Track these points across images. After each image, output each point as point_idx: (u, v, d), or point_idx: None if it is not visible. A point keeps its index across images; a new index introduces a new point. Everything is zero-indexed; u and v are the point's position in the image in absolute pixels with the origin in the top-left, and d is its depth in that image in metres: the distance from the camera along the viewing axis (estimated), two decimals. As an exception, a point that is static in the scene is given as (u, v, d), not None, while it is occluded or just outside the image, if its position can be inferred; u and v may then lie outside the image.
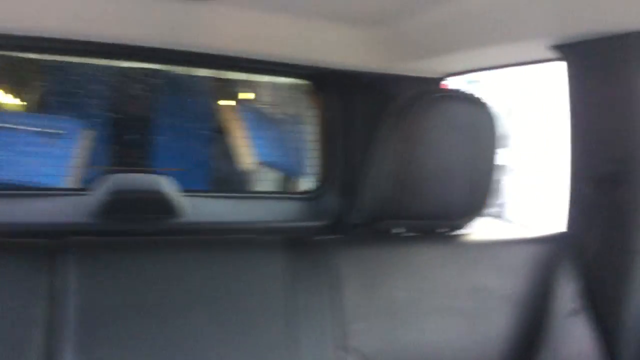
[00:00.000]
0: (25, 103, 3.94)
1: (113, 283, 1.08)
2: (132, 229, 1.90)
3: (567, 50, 1.44)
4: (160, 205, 1.96)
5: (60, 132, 3.66)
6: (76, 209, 1.91)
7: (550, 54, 1.50)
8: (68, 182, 3.50)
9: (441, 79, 2.02)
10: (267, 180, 4.36)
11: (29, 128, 3.56)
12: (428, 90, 1.30)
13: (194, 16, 1.58)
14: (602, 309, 1.38)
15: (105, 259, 1.11)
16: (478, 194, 1.34)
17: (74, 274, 1.06)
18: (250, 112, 4.28)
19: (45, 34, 1.52)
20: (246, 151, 4.14)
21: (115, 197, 1.91)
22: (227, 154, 4.20)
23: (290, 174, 4.23)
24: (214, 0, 1.49)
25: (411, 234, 1.37)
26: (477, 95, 1.33)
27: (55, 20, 1.47)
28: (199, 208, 2.08)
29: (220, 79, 3.98)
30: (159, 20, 1.56)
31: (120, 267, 1.10)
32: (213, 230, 2.03)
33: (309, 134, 3.44)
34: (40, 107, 3.98)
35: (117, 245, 1.15)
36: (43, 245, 1.10)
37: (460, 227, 1.40)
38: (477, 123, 1.30)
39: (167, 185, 2.00)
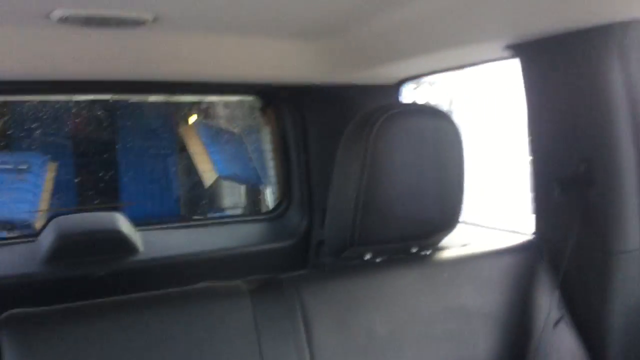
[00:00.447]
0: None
1: (61, 358, 0.97)
2: (85, 273, 1.77)
3: (521, 50, 1.41)
4: (114, 243, 1.85)
5: (25, 166, 3.82)
6: (24, 258, 1.77)
7: (505, 53, 1.47)
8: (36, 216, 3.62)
9: (398, 85, 1.96)
10: (231, 194, 4.50)
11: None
12: (386, 105, 1.23)
13: (132, 44, 1.49)
14: (583, 314, 1.35)
15: (50, 331, 0.99)
16: (449, 209, 1.28)
17: (16, 353, 0.95)
18: (208, 130, 4.39)
19: None
20: (207, 167, 4.27)
21: (64, 241, 1.79)
22: (190, 172, 4.36)
23: (249, 184, 4.40)
24: (151, 25, 1.39)
25: (382, 259, 1.29)
26: (438, 107, 1.27)
27: None
28: (157, 242, 1.97)
29: (178, 102, 4.14)
30: (100, 51, 1.46)
31: (68, 339, 0.99)
32: (173, 264, 1.93)
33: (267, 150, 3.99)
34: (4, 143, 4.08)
35: (63, 313, 1.03)
36: None
37: (433, 244, 1.34)
38: (440, 136, 1.23)
39: (120, 222, 1.88)
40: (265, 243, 2.14)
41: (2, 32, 1.36)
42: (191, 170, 4.39)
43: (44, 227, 1.88)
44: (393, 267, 1.27)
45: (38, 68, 1.45)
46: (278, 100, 2.10)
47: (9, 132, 4.01)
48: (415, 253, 1.32)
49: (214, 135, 4.42)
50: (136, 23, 1.37)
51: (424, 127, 1.22)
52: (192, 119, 4.43)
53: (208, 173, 4.32)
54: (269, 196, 4.12)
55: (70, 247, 1.79)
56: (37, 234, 1.89)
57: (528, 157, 1.50)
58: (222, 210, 4.53)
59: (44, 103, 3.86)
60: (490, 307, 1.29)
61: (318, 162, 2.10)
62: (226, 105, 4.43)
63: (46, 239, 1.81)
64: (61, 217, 1.90)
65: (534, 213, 1.47)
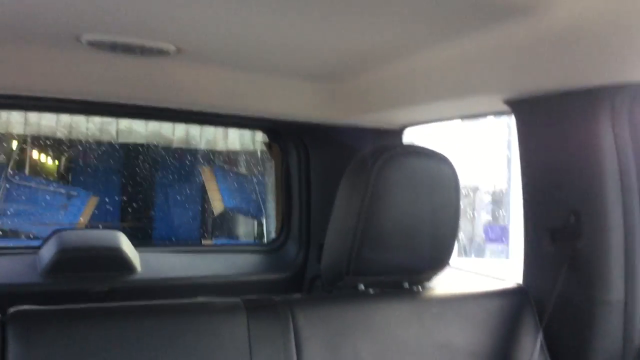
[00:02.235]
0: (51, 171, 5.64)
1: (62, 356, 1.01)
2: (83, 287, 1.81)
3: (516, 105, 1.49)
4: (113, 261, 1.89)
5: (75, 194, 5.36)
6: (25, 268, 1.81)
7: (502, 107, 1.54)
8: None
9: (401, 130, 2.04)
10: (237, 223, 5.84)
11: (51, 189, 5.21)
12: (387, 146, 1.30)
13: (155, 72, 1.58)
14: None
15: (53, 329, 1.03)
16: (442, 248, 1.34)
17: (21, 348, 0.99)
18: (221, 172, 5.75)
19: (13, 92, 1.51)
20: (217, 199, 5.63)
21: (65, 255, 1.83)
22: (207, 204, 5.75)
23: (250, 216, 5.73)
24: (173, 56, 1.48)
25: (374, 291, 1.35)
26: (437, 150, 1.34)
27: (20, 79, 1.49)
28: (155, 264, 2.01)
29: (202, 150, 5.50)
30: (119, 75, 1.55)
31: (70, 338, 1.03)
32: (169, 286, 1.96)
33: (270, 187, 5.23)
34: (61, 176, 5.64)
35: (66, 314, 1.08)
36: None
37: (424, 281, 1.39)
38: (438, 177, 1.31)
39: (121, 241, 1.93)
40: (260, 273, 2.18)
41: (35, 52, 1.45)
42: (207, 202, 5.70)
43: (46, 239, 1.93)
44: (384, 299, 1.32)
45: (65, 87, 1.53)
46: (284, 136, 2.18)
47: (69, 167, 5.65)
48: (407, 288, 1.37)
49: (225, 176, 5.75)
50: (159, 53, 1.46)
51: (423, 169, 1.29)
52: (212, 165, 5.76)
53: (217, 204, 5.63)
54: (265, 227, 5.49)
55: (70, 261, 1.83)
56: (39, 246, 1.93)
57: (520, 207, 1.56)
58: (235, 236, 5.80)
59: (98, 145, 5.24)
60: (476, 346, 1.33)
61: (318, 199, 2.16)
62: (242, 153, 5.67)
63: (47, 251, 1.85)
64: (64, 232, 1.95)
65: (523, 260, 1.52)
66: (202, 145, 5.41)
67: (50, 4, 1.18)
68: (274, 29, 1.34)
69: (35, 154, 5.55)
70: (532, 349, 1.35)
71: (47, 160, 5.69)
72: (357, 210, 1.24)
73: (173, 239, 5.60)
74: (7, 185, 5.10)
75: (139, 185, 5.59)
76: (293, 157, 2.18)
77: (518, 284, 1.49)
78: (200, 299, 1.19)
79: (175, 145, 5.28)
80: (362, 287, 1.32)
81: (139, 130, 5.17)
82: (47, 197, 5.28)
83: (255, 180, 5.71)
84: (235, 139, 5.43)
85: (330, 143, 2.10)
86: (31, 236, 4.83)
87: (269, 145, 2.25)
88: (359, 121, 2.00)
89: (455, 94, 1.57)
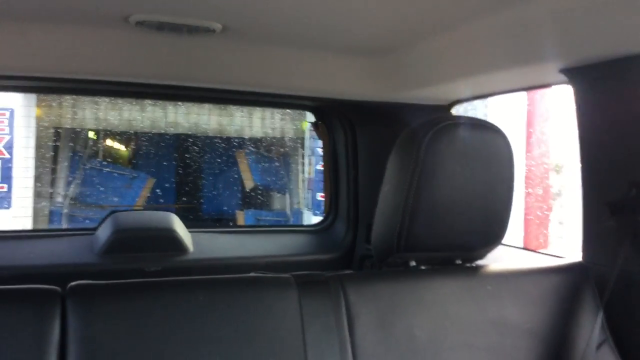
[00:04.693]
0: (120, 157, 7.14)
1: (120, 328, 1.04)
2: (137, 267, 1.86)
3: (574, 74, 1.42)
4: (166, 242, 1.93)
5: (136, 175, 6.85)
6: (82, 249, 1.87)
7: (558, 77, 1.48)
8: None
9: (450, 105, 1.99)
10: (264, 197, 7.23)
11: (118, 172, 6.66)
12: (438, 118, 1.27)
13: (201, 51, 1.59)
14: (627, 339, 1.33)
15: (111, 303, 1.07)
16: (495, 224, 1.30)
17: (77, 322, 1.02)
18: (252, 154, 7.12)
19: (63, 75, 1.55)
20: (249, 178, 7.11)
21: (121, 235, 1.88)
22: (241, 181, 7.17)
23: (275, 191, 7.21)
24: (219, 34, 1.48)
25: (426, 267, 1.32)
26: (490, 121, 1.30)
27: (69, 61, 1.51)
28: (207, 244, 2.04)
29: (238, 137, 6.88)
30: (165, 56, 1.56)
31: (128, 311, 1.06)
32: (221, 265, 1.99)
33: (293, 166, 6.94)
34: (128, 160, 7.10)
35: (123, 288, 1.11)
36: (47, 292, 1.06)
37: (477, 258, 1.36)
38: (491, 150, 1.26)
39: (174, 222, 1.97)
40: (309, 254, 2.18)
41: (83, 33, 1.47)
42: (241, 180, 7.12)
43: (102, 221, 1.98)
44: (436, 276, 1.29)
45: (112, 69, 1.56)
46: (330, 115, 2.16)
47: (132, 155, 7.12)
48: (459, 265, 1.34)
49: (255, 157, 7.15)
50: (205, 31, 1.46)
51: (475, 141, 1.25)
52: (244, 149, 7.13)
53: (249, 181, 7.15)
54: (288, 201, 7.09)
55: (125, 241, 1.88)
56: (95, 227, 1.99)
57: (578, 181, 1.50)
58: (263, 207, 7.15)
59: (159, 136, 6.68)
60: (533, 323, 1.29)
61: (366, 178, 2.14)
62: (266, 139, 7.02)
63: (104, 233, 1.90)
64: (119, 213, 2.00)
65: (582, 236, 1.47)
66: (233, 134, 6.84)
67: None
68: (319, 4, 1.32)
69: (104, 145, 7.00)
70: (592, 328, 1.30)
71: (114, 149, 7.18)
72: (407, 184, 1.21)
73: (216, 212, 7.12)
74: (86, 169, 6.65)
75: (188, 167, 7.04)
76: (340, 136, 2.16)
77: (578, 260, 1.44)
78: (252, 274, 1.20)
79: (211, 134, 6.69)
80: (413, 263, 1.30)
81: (181, 122, 6.49)
82: (115, 178, 6.76)
83: (279, 161, 7.08)
84: (258, 127, 6.83)
85: (377, 121, 2.07)
86: (104, 207, 6.29)
87: (315, 125, 2.24)
88: (407, 97, 1.96)
89: (507, 65, 1.52)
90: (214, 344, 1.07)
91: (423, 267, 1.31)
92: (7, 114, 5.80)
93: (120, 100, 6.25)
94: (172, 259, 1.92)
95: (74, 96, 5.97)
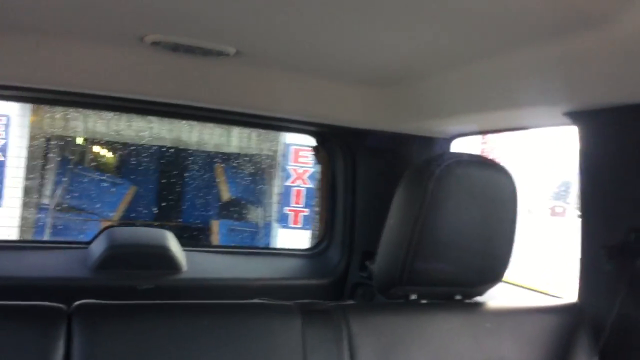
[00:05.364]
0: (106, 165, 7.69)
1: (125, 349, 1.03)
2: (130, 284, 1.84)
3: (579, 118, 1.45)
4: (161, 260, 1.91)
5: (119, 183, 7.31)
6: (75, 263, 1.85)
7: (562, 119, 1.51)
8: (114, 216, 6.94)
9: (451, 139, 2.02)
10: (239, 208, 7.78)
11: (103, 179, 7.19)
12: (447, 154, 1.29)
13: (213, 73, 1.60)
14: None
15: (117, 323, 1.06)
16: (496, 262, 1.31)
17: (82, 342, 1.01)
18: (229, 169, 7.60)
19: (77, 90, 1.57)
20: (225, 190, 7.61)
21: (114, 251, 1.87)
22: (218, 193, 7.68)
23: (249, 203, 7.71)
24: (232, 58, 1.50)
25: (427, 302, 1.33)
26: (496, 160, 1.32)
27: (83, 77, 1.53)
28: (200, 263, 2.03)
29: (216, 152, 7.41)
30: (177, 76, 1.58)
31: (133, 332, 1.05)
32: (214, 286, 1.98)
33: (267, 180, 7.57)
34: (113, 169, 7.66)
35: (129, 309, 1.10)
36: (52, 311, 1.05)
37: (477, 294, 1.37)
38: (496, 189, 1.28)
39: (169, 240, 1.95)
40: (302, 278, 2.18)
41: (99, 51, 1.48)
42: (219, 192, 7.66)
43: (96, 236, 1.97)
44: (438, 311, 1.30)
45: (126, 86, 1.57)
46: (332, 141, 2.18)
47: (119, 162, 7.62)
48: (459, 300, 1.34)
49: (232, 171, 7.55)
50: (219, 54, 1.48)
51: (482, 179, 1.27)
52: (222, 164, 7.63)
53: (225, 193, 7.61)
54: (260, 214, 7.56)
55: (119, 258, 1.86)
56: (89, 241, 1.97)
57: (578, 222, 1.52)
58: (238, 218, 7.68)
59: (145, 148, 7.14)
60: None
61: (363, 206, 2.14)
62: (244, 155, 7.56)
63: (98, 247, 1.89)
64: (114, 229, 1.99)
65: (579, 278, 1.48)
66: (211, 148, 7.25)
67: (119, 4, 1.20)
68: (331, 34, 1.34)
69: (92, 153, 7.59)
70: None
71: (100, 158, 7.68)
72: (414, 219, 1.23)
73: (194, 219, 7.66)
74: (72, 174, 7.06)
75: (169, 178, 7.53)
76: (340, 162, 2.18)
77: (574, 301, 1.45)
78: (256, 301, 1.20)
79: (191, 148, 7.16)
80: (414, 296, 1.31)
81: (164, 135, 6.97)
82: (99, 184, 7.19)
83: (253, 176, 7.58)
84: (236, 144, 7.32)
85: (378, 149, 2.08)
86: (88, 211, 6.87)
87: (316, 149, 2.25)
88: (409, 129, 1.99)
89: (512, 105, 1.54)
90: None
91: (424, 301, 1.32)
92: (5, 119, 6.22)
93: (109, 113, 6.57)
94: (165, 278, 1.90)
95: (66, 109, 6.37)
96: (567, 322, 1.38)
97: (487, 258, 1.30)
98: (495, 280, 1.35)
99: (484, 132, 1.94)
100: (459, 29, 1.26)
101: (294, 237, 6.83)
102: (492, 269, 1.33)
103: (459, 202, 1.24)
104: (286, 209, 7.02)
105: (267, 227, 7.36)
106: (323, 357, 1.13)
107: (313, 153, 2.28)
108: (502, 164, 1.31)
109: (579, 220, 1.50)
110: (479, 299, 1.38)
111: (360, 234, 2.17)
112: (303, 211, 6.99)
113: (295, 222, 7.02)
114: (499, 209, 1.28)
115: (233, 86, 1.66)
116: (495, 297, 1.40)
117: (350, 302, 1.30)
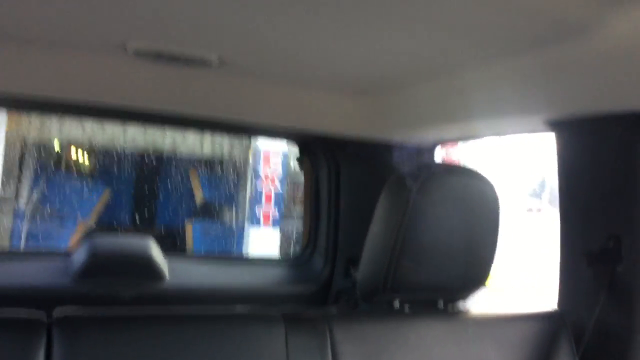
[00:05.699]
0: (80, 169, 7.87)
1: (106, 359, 1.01)
2: (113, 292, 1.82)
3: (558, 126, 1.47)
4: (143, 268, 1.90)
5: (94, 186, 7.52)
6: (57, 272, 1.83)
7: (541, 127, 1.53)
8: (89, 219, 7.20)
9: (434, 146, 2.03)
10: (212, 209, 8.05)
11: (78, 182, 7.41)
12: (428, 164, 1.30)
13: (195, 82, 1.60)
14: None
15: (98, 333, 1.04)
16: (478, 268, 1.33)
17: (67, 352, 1.00)
18: (203, 173, 7.80)
19: (63, 98, 1.56)
20: (199, 193, 7.88)
21: (96, 260, 1.85)
22: (192, 195, 7.97)
23: (219, 204, 7.98)
24: (215, 67, 1.50)
25: (410, 309, 1.33)
26: (477, 169, 1.33)
27: (65, 85, 1.52)
28: (183, 271, 2.01)
29: (190, 157, 7.73)
30: (160, 84, 1.57)
31: (114, 342, 1.04)
32: (197, 295, 1.97)
33: (239, 183, 7.82)
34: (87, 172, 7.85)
35: (110, 318, 1.09)
36: (32, 321, 1.04)
37: (459, 300, 1.38)
38: (477, 197, 1.30)
39: (150, 248, 1.94)
40: (286, 285, 2.17)
41: (81, 59, 1.47)
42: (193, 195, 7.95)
43: (78, 244, 1.94)
44: (421, 319, 1.30)
45: (108, 95, 1.56)
46: (316, 150, 2.18)
47: (96, 166, 7.74)
48: (442, 308, 1.35)
49: (206, 175, 7.83)
50: (202, 63, 1.47)
51: (463, 187, 1.28)
52: (195, 169, 7.96)
53: (199, 196, 7.91)
54: (233, 214, 7.87)
55: (101, 266, 1.84)
56: (70, 250, 1.95)
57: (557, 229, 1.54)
58: (212, 218, 8.01)
59: (119, 153, 7.29)
60: None
61: (347, 213, 2.15)
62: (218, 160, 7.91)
63: (79, 256, 1.86)
64: (96, 236, 1.96)
65: (559, 285, 1.50)
66: (185, 153, 7.63)
67: (100, 12, 1.20)
68: (314, 43, 1.35)
69: (67, 157, 7.73)
70: None
71: (75, 162, 7.86)
72: (396, 227, 1.23)
73: (168, 221, 7.85)
74: (48, 180, 7.30)
75: (144, 181, 7.76)
76: (324, 171, 2.18)
77: (554, 308, 1.47)
78: (239, 309, 1.19)
79: (166, 153, 7.51)
80: (397, 304, 1.31)
81: (139, 140, 7.26)
82: (75, 187, 7.43)
83: (226, 180, 7.91)
84: (208, 149, 7.70)
85: (362, 158, 2.09)
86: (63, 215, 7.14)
87: (300, 159, 2.25)
88: (391, 137, 2.00)
89: (494, 113, 1.56)
90: None
91: (407, 308, 1.32)
92: None
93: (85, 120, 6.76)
94: (147, 286, 1.89)
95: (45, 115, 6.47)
96: (548, 328, 1.39)
97: (470, 264, 1.31)
98: (478, 286, 1.36)
99: (466, 139, 1.96)
100: (439, 40, 1.27)
101: (265, 236, 7.41)
102: (475, 274, 1.34)
103: (441, 210, 1.25)
104: (257, 210, 7.55)
105: (240, 226, 7.82)
106: None
107: (297, 161, 2.28)
108: (481, 172, 1.33)
109: (559, 227, 1.52)
110: (462, 305, 1.39)
111: (344, 241, 2.17)
112: (273, 212, 7.57)
113: (266, 222, 7.57)
114: (481, 216, 1.30)
115: (216, 95, 1.66)
116: (478, 303, 1.41)
117: (334, 310, 1.30)
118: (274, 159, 7.44)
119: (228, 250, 7.61)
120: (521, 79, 1.38)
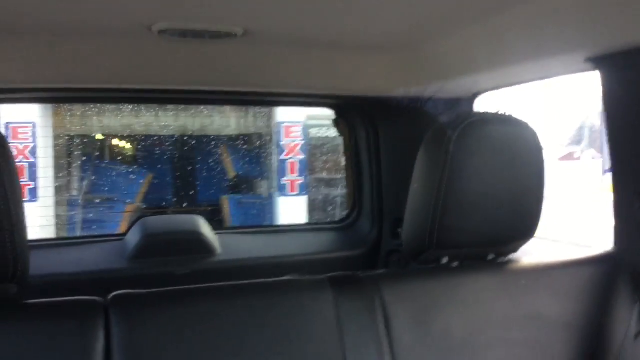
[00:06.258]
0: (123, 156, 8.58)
1: (163, 336, 1.05)
2: (167, 271, 1.88)
3: (601, 62, 1.40)
4: (195, 245, 1.95)
5: (137, 172, 8.08)
6: (112, 255, 1.90)
7: (583, 66, 1.46)
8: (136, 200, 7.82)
9: (473, 97, 1.98)
10: (244, 182, 8.57)
11: (122, 169, 8.05)
12: (465, 114, 1.26)
13: (223, 55, 1.59)
14: None
15: (153, 311, 1.08)
16: (526, 218, 1.29)
17: (121, 332, 1.04)
18: (232, 149, 8.37)
19: (83, 85, 1.58)
20: (230, 168, 8.34)
21: (150, 240, 1.90)
22: (224, 171, 8.42)
23: (249, 177, 8.51)
24: (241, 38, 1.49)
25: (458, 264, 1.32)
26: (517, 116, 1.29)
27: (95, 72, 1.54)
28: (233, 245, 2.05)
29: (218, 135, 8.29)
30: (188, 61, 1.58)
31: (169, 319, 1.08)
32: (248, 266, 2.01)
33: (266, 155, 8.34)
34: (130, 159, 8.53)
35: (164, 296, 1.13)
36: (89, 304, 1.08)
37: (509, 252, 1.35)
38: (519, 145, 1.25)
39: (201, 225, 1.98)
40: (335, 251, 2.19)
41: (107, 43, 1.49)
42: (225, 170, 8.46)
43: (131, 226, 2.01)
44: (470, 272, 1.29)
45: (136, 76, 1.58)
46: (352, 112, 2.16)
47: (137, 153, 8.47)
48: (492, 260, 1.33)
49: (235, 151, 8.35)
50: (227, 36, 1.47)
51: (504, 136, 1.25)
52: (225, 144, 8.47)
53: (230, 171, 8.36)
54: (265, 186, 8.36)
55: (154, 246, 1.90)
56: (124, 233, 2.01)
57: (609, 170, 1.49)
58: (245, 191, 8.59)
59: (154, 138, 8.05)
60: (568, 316, 1.28)
61: (389, 173, 2.13)
62: (244, 135, 8.43)
63: (133, 238, 1.93)
64: (147, 218, 2.02)
65: (614, 226, 1.45)
66: (213, 132, 8.16)
67: None
68: (339, 4, 1.32)
69: (110, 147, 8.40)
70: (629, 317, 1.29)
71: (118, 150, 8.56)
72: (437, 181, 1.21)
73: (208, 198, 8.29)
74: (95, 168, 7.86)
75: (181, 163, 8.32)
76: (361, 132, 2.16)
77: (611, 250, 1.42)
78: (287, 278, 1.21)
79: (197, 134, 8.05)
80: (445, 260, 1.30)
81: (171, 125, 7.83)
82: (119, 174, 7.98)
83: (254, 153, 8.45)
84: (234, 126, 8.23)
85: (399, 115, 2.06)
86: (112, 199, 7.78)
87: (336, 122, 2.23)
88: (428, 91, 1.95)
89: (532, 56, 1.50)
90: (254, 349, 1.08)
91: (455, 264, 1.31)
92: (31, 126, 7.01)
93: (120, 108, 7.36)
94: (200, 262, 1.94)
95: (82, 108, 7.28)
96: (605, 272, 1.36)
97: (517, 214, 1.28)
98: (528, 236, 1.33)
99: (505, 87, 1.89)
100: None
101: (293, 203, 7.86)
102: (523, 225, 1.31)
103: (482, 161, 1.22)
104: (283, 180, 7.92)
105: (270, 196, 8.29)
106: (358, 327, 1.14)
107: (334, 126, 2.26)
108: (522, 119, 1.28)
109: (610, 168, 1.46)
110: (512, 256, 1.37)
111: (389, 202, 2.16)
112: (298, 180, 7.98)
113: (292, 190, 7.97)
114: (524, 164, 1.26)
115: (244, 67, 1.65)
116: (529, 254, 1.38)
117: (381, 270, 1.29)
118: (293, 129, 7.86)
119: (261, 219, 8.07)
120: (557, 15, 1.31)
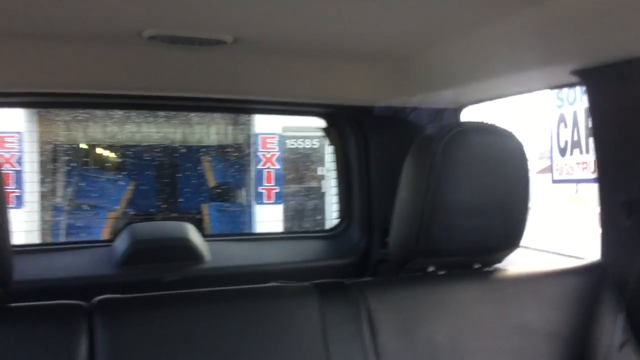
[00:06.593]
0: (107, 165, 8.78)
1: (147, 340, 1.05)
2: (155, 277, 1.87)
3: (587, 75, 1.42)
4: (183, 251, 1.94)
5: (120, 178, 8.27)
6: (100, 261, 1.89)
7: (570, 79, 1.48)
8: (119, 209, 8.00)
9: (460, 109, 2.00)
10: (224, 191, 8.72)
11: (105, 177, 8.28)
12: (451, 123, 1.28)
13: (213, 63, 1.60)
14: None
15: (137, 316, 1.08)
16: (512, 227, 1.30)
17: (104, 336, 1.03)
18: (214, 159, 8.59)
19: (77, 90, 1.58)
20: (211, 177, 8.55)
21: (138, 246, 1.90)
22: (205, 180, 8.61)
23: (229, 186, 8.69)
24: (231, 46, 1.50)
25: (445, 272, 1.32)
26: (502, 126, 1.30)
27: (84, 77, 1.55)
28: (222, 252, 2.05)
29: (199, 146, 8.52)
30: (178, 68, 1.58)
31: (153, 324, 1.07)
32: (238, 274, 2.00)
33: (245, 165, 8.41)
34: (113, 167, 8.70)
35: (148, 301, 1.13)
36: (72, 308, 1.08)
37: (495, 261, 1.36)
38: (505, 154, 1.27)
39: (190, 232, 1.98)
40: (324, 259, 2.19)
41: (97, 49, 1.49)
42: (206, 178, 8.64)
43: (119, 232, 2.00)
44: (456, 281, 1.29)
45: (126, 82, 1.58)
46: (342, 121, 2.17)
47: (121, 161, 8.57)
48: (478, 269, 1.34)
49: (215, 161, 8.57)
50: (217, 43, 1.48)
51: (489, 145, 1.26)
52: (207, 155, 8.65)
53: (211, 180, 8.56)
54: (244, 194, 8.60)
55: (143, 253, 1.89)
56: (112, 239, 2.00)
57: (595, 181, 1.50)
58: (224, 199, 8.71)
59: (138, 148, 8.17)
60: (553, 326, 1.29)
61: (379, 182, 2.14)
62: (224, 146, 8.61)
63: (121, 244, 1.92)
64: (135, 224, 2.01)
65: (600, 236, 1.47)
66: (194, 142, 8.39)
67: (116, 1, 1.21)
68: (329, 13, 1.33)
69: (94, 155, 8.62)
70: (614, 327, 1.30)
71: (102, 159, 8.76)
72: (424, 190, 1.22)
73: (189, 206, 8.47)
74: (79, 176, 8.02)
75: (163, 171, 8.51)
76: (351, 141, 2.17)
77: (596, 260, 1.44)
78: (272, 284, 1.21)
79: (179, 144, 8.32)
80: (432, 268, 1.31)
81: (153, 135, 8.08)
82: (103, 182, 8.22)
83: (233, 163, 8.63)
84: (214, 136, 8.47)
85: (388, 125, 2.07)
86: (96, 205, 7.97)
87: (327, 130, 2.24)
88: (416, 101, 1.97)
89: (519, 68, 1.52)
90: (238, 354, 1.08)
91: (441, 273, 1.31)
92: (18, 136, 7.28)
93: (105, 117, 7.64)
94: (189, 269, 1.93)
95: (68, 117, 7.53)
96: (590, 281, 1.36)
97: (504, 223, 1.29)
98: (513, 245, 1.34)
99: (491, 99, 1.91)
100: None
101: (269, 211, 8.20)
102: (508, 234, 1.32)
103: (468, 170, 1.23)
104: (260, 188, 8.30)
105: (248, 204, 8.59)
106: (343, 334, 1.14)
107: (324, 135, 2.27)
108: (508, 129, 1.29)
109: (597, 179, 1.48)
110: (498, 265, 1.37)
111: (378, 211, 2.16)
112: (274, 189, 8.34)
113: (269, 199, 8.32)
114: (510, 173, 1.27)
115: (234, 74, 1.66)
116: (515, 263, 1.39)
117: (368, 278, 1.30)
118: (270, 141, 8.24)
119: (239, 226, 8.31)
120: (543, 28, 1.33)
